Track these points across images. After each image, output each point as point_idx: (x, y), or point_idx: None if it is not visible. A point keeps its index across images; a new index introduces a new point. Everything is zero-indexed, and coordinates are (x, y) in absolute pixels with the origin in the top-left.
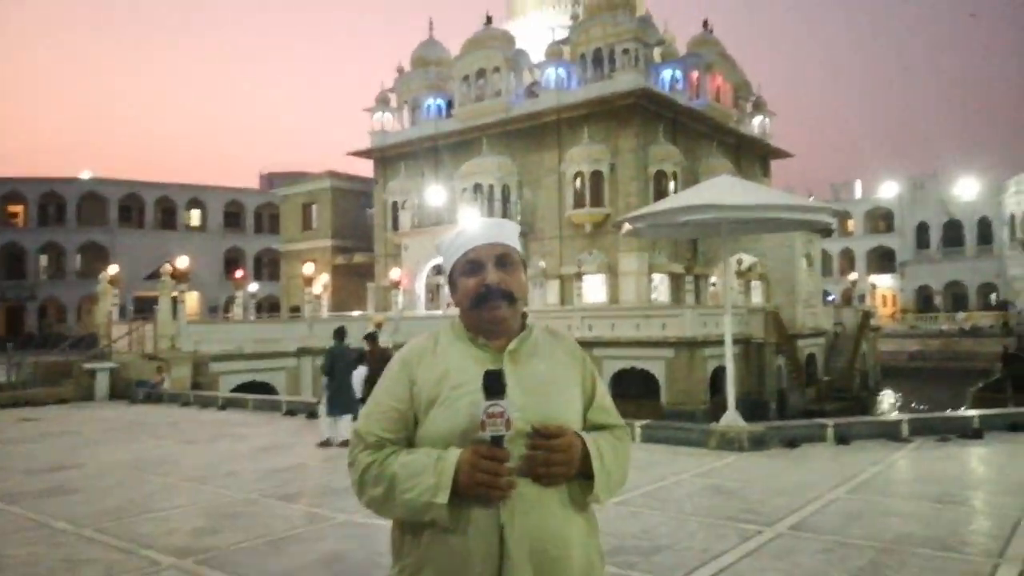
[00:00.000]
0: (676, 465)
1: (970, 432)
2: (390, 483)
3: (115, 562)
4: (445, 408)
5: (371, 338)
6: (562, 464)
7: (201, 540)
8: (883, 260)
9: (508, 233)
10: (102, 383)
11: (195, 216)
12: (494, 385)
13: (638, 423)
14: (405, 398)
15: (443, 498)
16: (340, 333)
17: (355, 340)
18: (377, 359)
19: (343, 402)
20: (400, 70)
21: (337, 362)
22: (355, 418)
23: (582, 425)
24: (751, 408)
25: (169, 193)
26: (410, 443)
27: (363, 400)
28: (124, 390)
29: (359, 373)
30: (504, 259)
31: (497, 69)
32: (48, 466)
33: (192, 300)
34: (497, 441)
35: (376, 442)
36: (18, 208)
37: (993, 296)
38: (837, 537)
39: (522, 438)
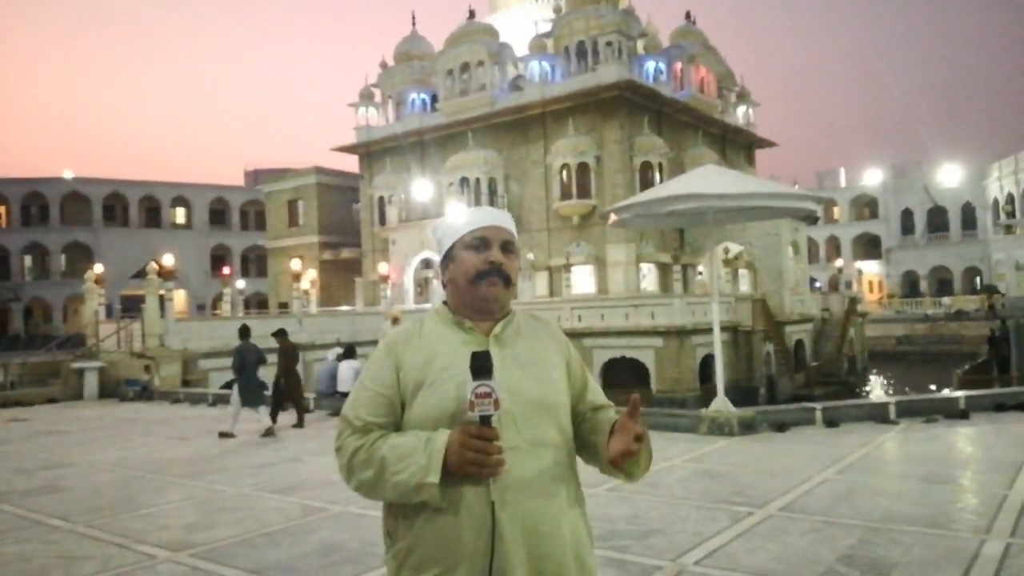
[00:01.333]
0: (667, 451)
1: (957, 413)
2: (380, 466)
3: (110, 557)
4: (433, 391)
5: (280, 334)
6: (646, 447)
7: (195, 534)
8: (869, 246)
9: (512, 226)
10: (91, 382)
11: (180, 214)
12: (482, 366)
13: None
14: (391, 383)
15: (434, 478)
16: (245, 331)
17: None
18: (286, 354)
19: (253, 395)
20: (383, 65)
21: (246, 358)
22: (272, 408)
23: (570, 406)
24: (740, 394)
25: (153, 191)
26: (397, 427)
27: (343, 394)
28: (113, 389)
29: (348, 367)
30: (508, 245)
31: (481, 63)
32: (39, 465)
33: (179, 298)
34: (486, 420)
35: (363, 426)
36: (0, 209)
37: (978, 280)
38: (826, 517)
39: (510, 418)
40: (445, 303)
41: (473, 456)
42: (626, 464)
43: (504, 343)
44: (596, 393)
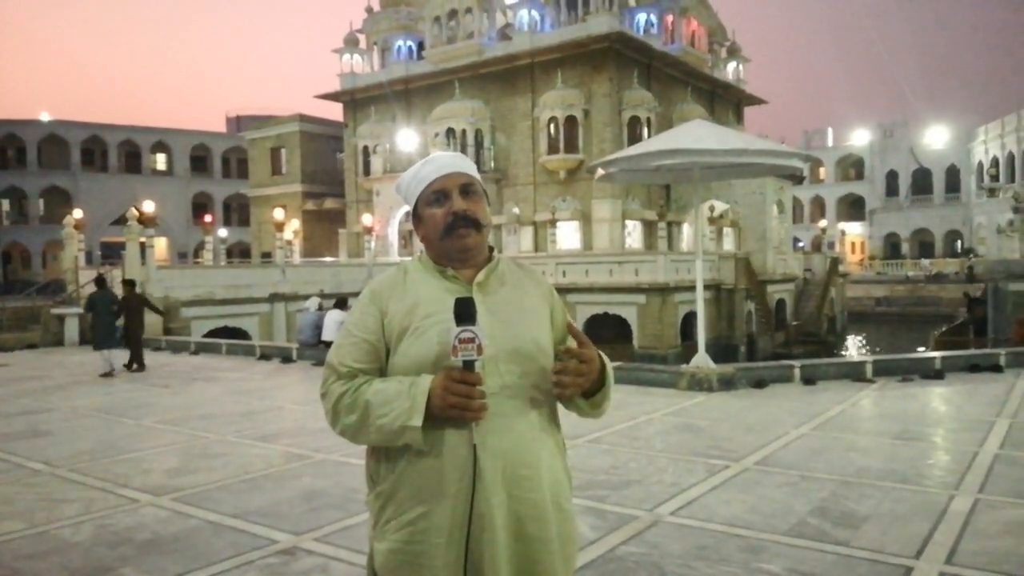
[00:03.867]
0: (647, 405)
1: (932, 373)
2: (364, 410)
3: (93, 500)
4: (416, 337)
5: (129, 284)
6: (587, 375)
7: (178, 479)
8: (853, 208)
9: (468, 164)
10: (71, 329)
11: (160, 160)
12: (465, 312)
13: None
14: (376, 329)
15: (417, 421)
16: (100, 282)
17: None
18: (133, 302)
19: (103, 337)
20: (369, 10)
21: (96, 305)
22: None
23: (552, 352)
24: (721, 352)
25: (133, 136)
26: (382, 373)
27: (327, 344)
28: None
29: (333, 318)
30: (468, 187)
31: (469, 10)
32: (20, 410)
33: (160, 246)
34: (469, 366)
35: (348, 372)
36: None
37: (959, 243)
38: (801, 471)
39: (493, 363)
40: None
41: (456, 400)
42: (569, 391)
43: (487, 290)
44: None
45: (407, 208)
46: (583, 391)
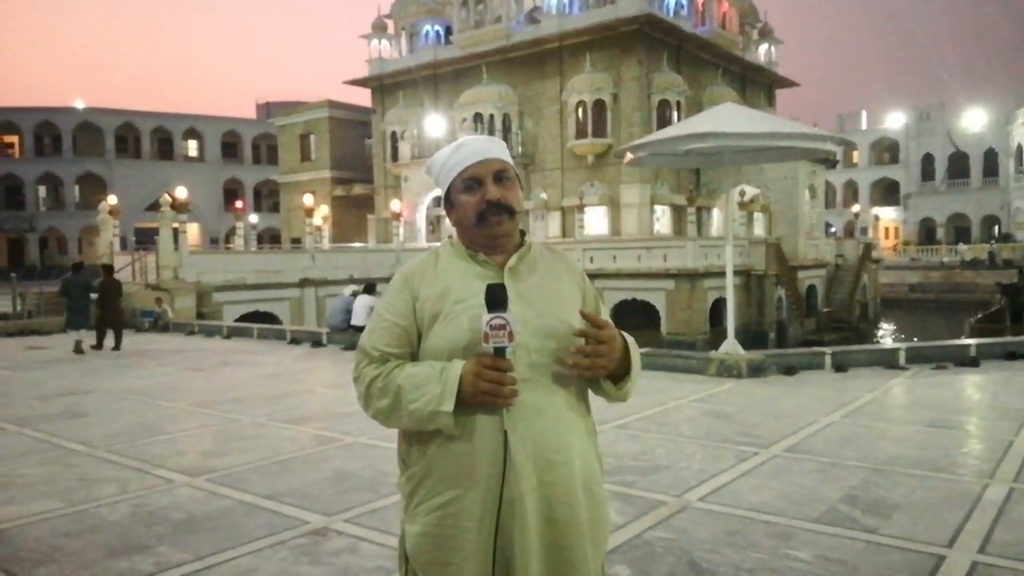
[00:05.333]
0: (675, 391)
1: (967, 360)
2: (396, 394)
3: (129, 480)
4: (448, 323)
5: (106, 269)
6: (607, 356)
7: (211, 461)
8: (887, 192)
9: (501, 149)
10: None
11: (192, 147)
12: (496, 298)
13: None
14: (408, 314)
15: (448, 406)
16: (76, 267)
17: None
18: (104, 287)
19: (76, 320)
20: None
21: (71, 288)
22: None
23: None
24: (750, 338)
25: (165, 123)
26: (414, 357)
27: (356, 328)
28: (129, 319)
29: (363, 303)
30: (501, 174)
31: None
32: (57, 392)
33: (193, 231)
34: (500, 352)
35: (380, 356)
36: (13, 139)
37: (996, 228)
38: (831, 459)
39: (524, 350)
40: (454, 236)
41: (487, 386)
42: (589, 373)
43: (519, 276)
44: None
45: (435, 194)
46: (608, 373)
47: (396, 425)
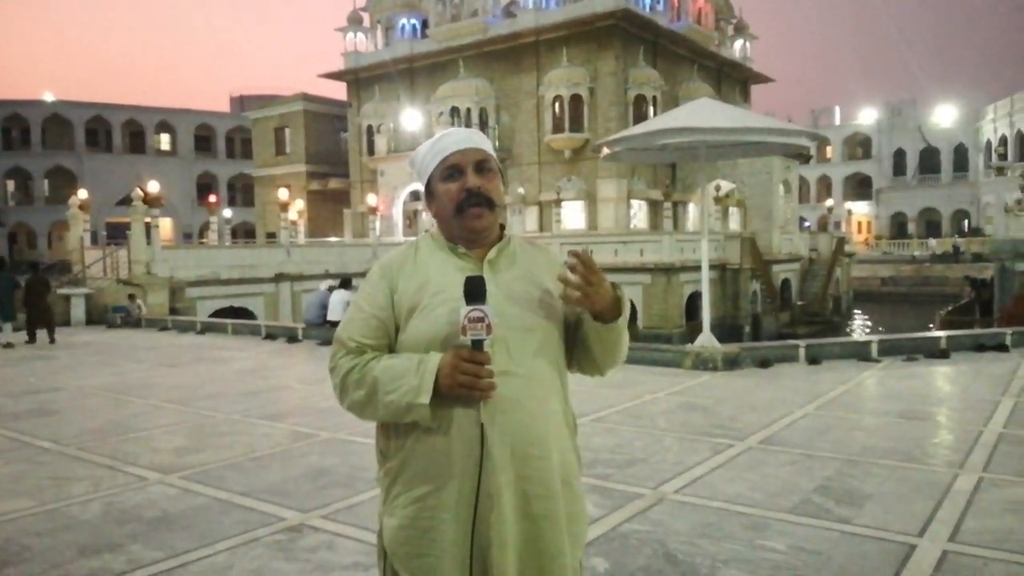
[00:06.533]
0: (651, 384)
1: (937, 352)
2: (372, 386)
3: (101, 478)
4: (426, 315)
5: (33, 267)
6: (597, 285)
7: (186, 458)
8: (860, 187)
9: (484, 141)
10: (78, 309)
11: (165, 140)
12: (475, 291)
13: None
14: (386, 305)
15: (425, 398)
16: (34, 265)
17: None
18: (29, 285)
19: (1, 314)
20: None
21: None
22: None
23: (563, 330)
24: (726, 332)
25: (136, 116)
26: (391, 349)
27: (332, 323)
28: (100, 315)
29: (339, 298)
30: (483, 164)
31: None
32: (28, 389)
33: (165, 226)
34: (478, 345)
35: (357, 347)
36: None
37: (966, 223)
38: (805, 450)
39: (502, 343)
40: (430, 229)
41: (464, 379)
42: (585, 302)
43: (498, 268)
44: None
45: (412, 187)
46: (600, 307)
47: (372, 417)
